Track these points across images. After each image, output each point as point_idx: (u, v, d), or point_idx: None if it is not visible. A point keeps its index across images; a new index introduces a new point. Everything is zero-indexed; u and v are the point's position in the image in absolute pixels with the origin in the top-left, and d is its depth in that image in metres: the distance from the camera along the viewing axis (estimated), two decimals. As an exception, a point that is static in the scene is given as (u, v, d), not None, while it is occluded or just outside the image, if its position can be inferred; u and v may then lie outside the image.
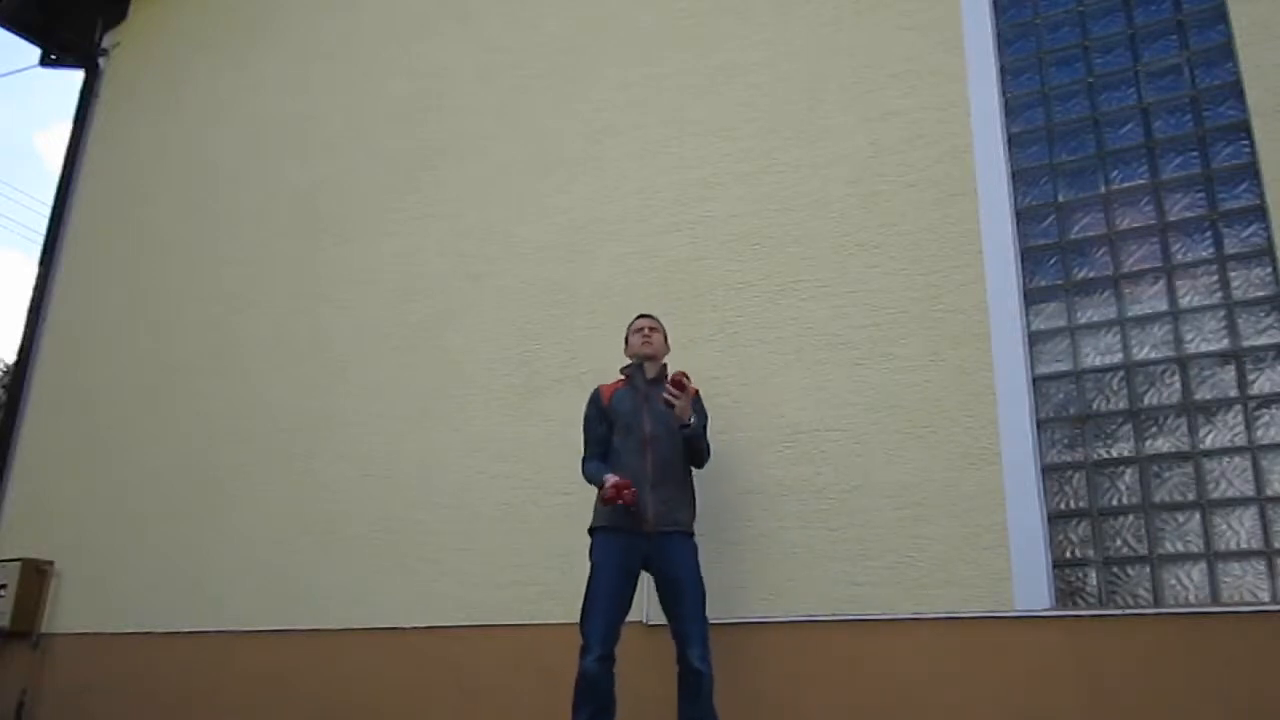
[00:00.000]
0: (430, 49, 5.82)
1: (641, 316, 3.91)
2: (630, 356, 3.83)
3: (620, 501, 3.36)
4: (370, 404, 5.15)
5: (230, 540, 5.36)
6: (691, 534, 3.55)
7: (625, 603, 3.43)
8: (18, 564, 5.96)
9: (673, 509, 3.49)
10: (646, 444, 3.53)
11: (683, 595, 3.39)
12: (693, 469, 3.68)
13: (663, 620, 3.59)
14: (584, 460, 3.70)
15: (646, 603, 3.70)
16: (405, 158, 5.62)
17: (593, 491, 3.65)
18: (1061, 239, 3.76)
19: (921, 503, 3.60)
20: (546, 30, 5.38)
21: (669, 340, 3.92)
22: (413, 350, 5.12)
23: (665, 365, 3.81)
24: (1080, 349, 3.62)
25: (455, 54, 5.70)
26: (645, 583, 3.54)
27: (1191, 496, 3.30)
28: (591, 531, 3.56)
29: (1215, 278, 3.47)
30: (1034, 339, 3.69)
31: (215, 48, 7.09)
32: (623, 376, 3.79)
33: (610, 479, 3.41)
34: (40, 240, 7.82)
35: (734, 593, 3.78)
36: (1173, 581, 3.26)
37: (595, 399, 3.75)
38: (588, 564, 3.51)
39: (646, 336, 3.79)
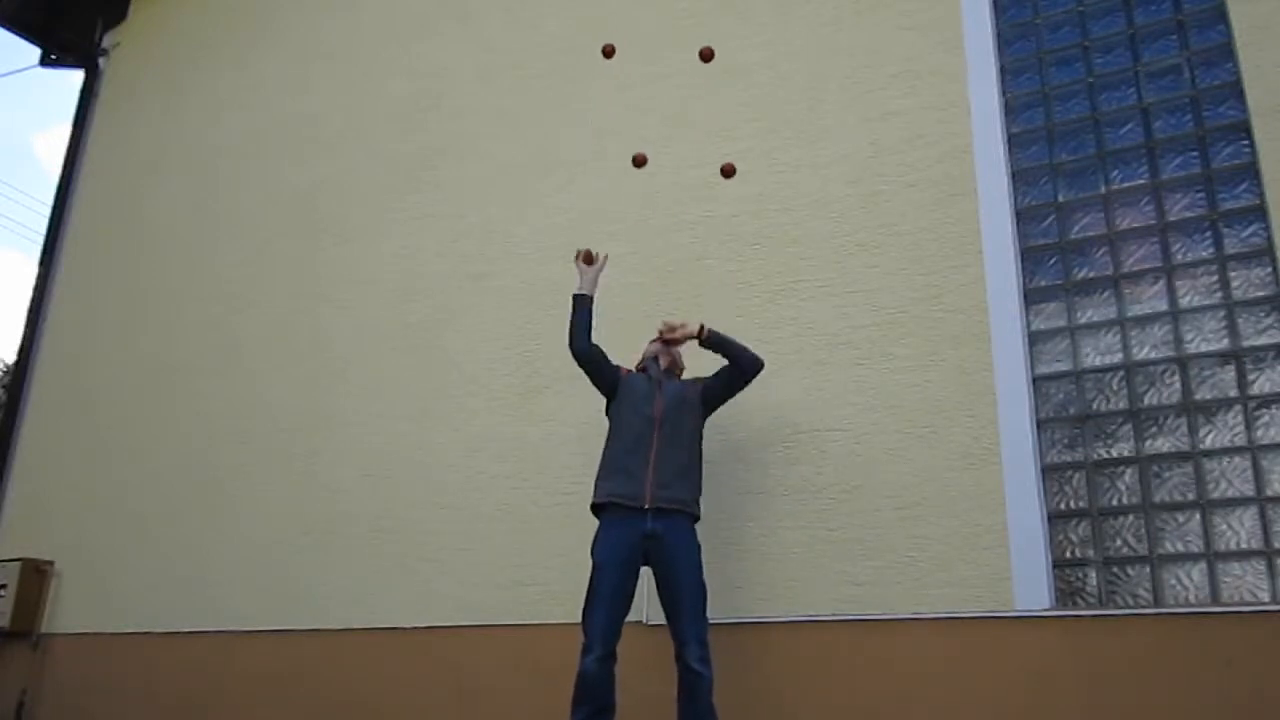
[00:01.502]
0: (430, 49, 5.82)
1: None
2: (646, 356, 3.87)
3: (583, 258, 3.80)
4: (370, 404, 5.16)
5: (230, 540, 5.36)
6: (693, 516, 3.51)
7: (627, 600, 3.41)
8: (18, 564, 5.96)
9: (673, 488, 3.45)
10: (656, 421, 3.53)
11: (681, 593, 3.36)
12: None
13: (661, 620, 3.59)
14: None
15: (646, 603, 3.70)
16: (405, 158, 5.62)
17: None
18: (1061, 239, 3.76)
19: (921, 503, 3.60)
20: (546, 30, 5.38)
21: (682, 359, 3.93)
22: (413, 350, 5.12)
23: (676, 361, 3.85)
24: (1080, 349, 3.62)
25: (455, 54, 5.70)
26: (645, 582, 3.54)
27: (1191, 496, 3.30)
28: (594, 510, 3.54)
29: (1215, 278, 3.47)
30: (1034, 339, 3.69)
31: (215, 48, 7.09)
32: (636, 370, 3.84)
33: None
34: (40, 240, 7.83)
35: (734, 593, 3.78)
36: (1173, 581, 3.26)
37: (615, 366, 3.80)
38: (589, 558, 3.50)
39: (662, 343, 3.85)
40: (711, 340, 3.67)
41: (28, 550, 6.12)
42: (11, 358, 10.07)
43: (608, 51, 3.93)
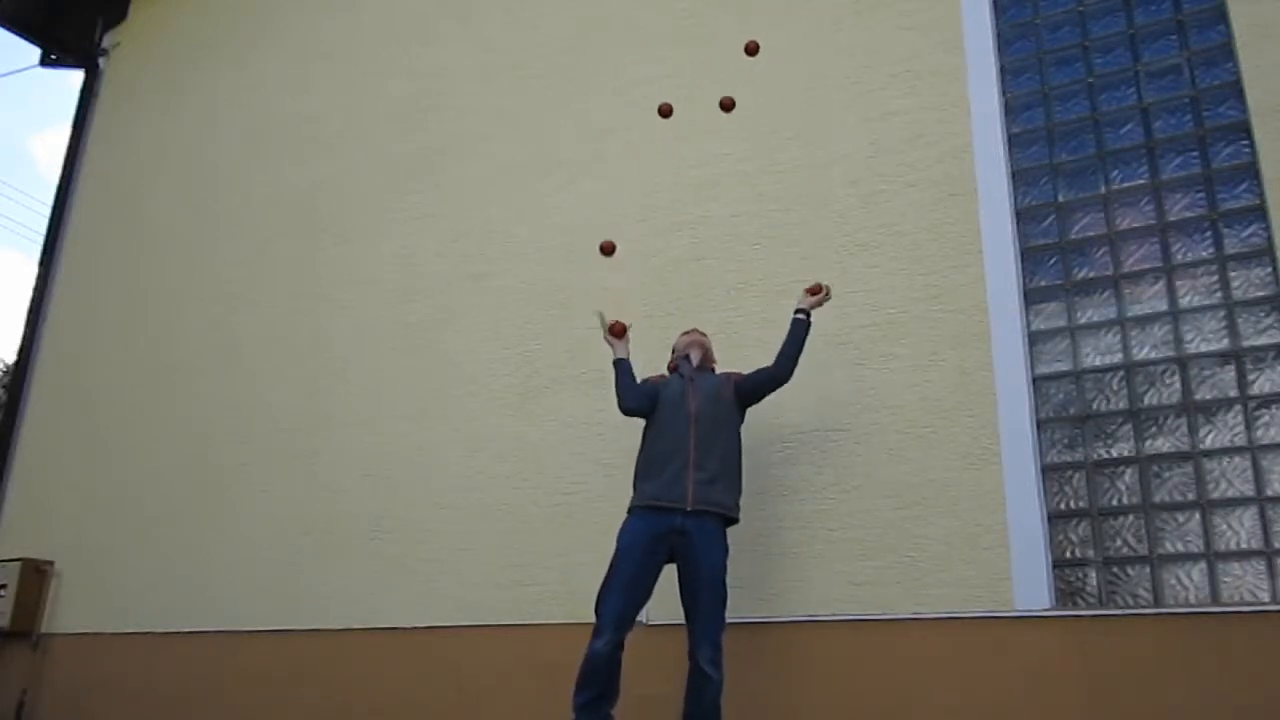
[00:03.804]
0: (430, 49, 5.82)
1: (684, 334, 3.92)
2: (678, 351, 3.83)
3: (613, 332, 3.64)
4: (370, 404, 5.16)
5: (230, 540, 5.36)
6: (729, 520, 3.47)
7: (644, 590, 3.37)
8: (18, 564, 5.96)
9: (713, 489, 3.41)
10: (692, 421, 3.48)
11: (700, 591, 3.33)
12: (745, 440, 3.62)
13: (663, 620, 3.59)
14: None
15: (650, 602, 3.69)
16: (405, 158, 5.62)
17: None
18: (1061, 239, 3.76)
19: (921, 503, 3.60)
20: (546, 30, 5.38)
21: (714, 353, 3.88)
22: (413, 350, 5.12)
23: (709, 354, 3.79)
24: (1080, 349, 3.62)
25: (455, 54, 5.70)
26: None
27: (1191, 496, 3.30)
28: (629, 510, 3.50)
29: (1215, 278, 3.47)
30: (1034, 339, 3.69)
31: (215, 48, 7.09)
32: (669, 370, 3.80)
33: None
34: (40, 240, 7.83)
35: (734, 593, 3.74)
36: (1173, 581, 3.26)
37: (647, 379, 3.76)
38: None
39: (696, 337, 3.82)
40: (799, 324, 3.60)
41: (28, 550, 6.12)
42: (11, 358, 10.07)
43: (664, 111, 3.92)
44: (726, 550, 3.43)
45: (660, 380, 3.74)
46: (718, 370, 3.80)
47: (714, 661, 3.26)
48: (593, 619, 3.34)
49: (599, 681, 3.25)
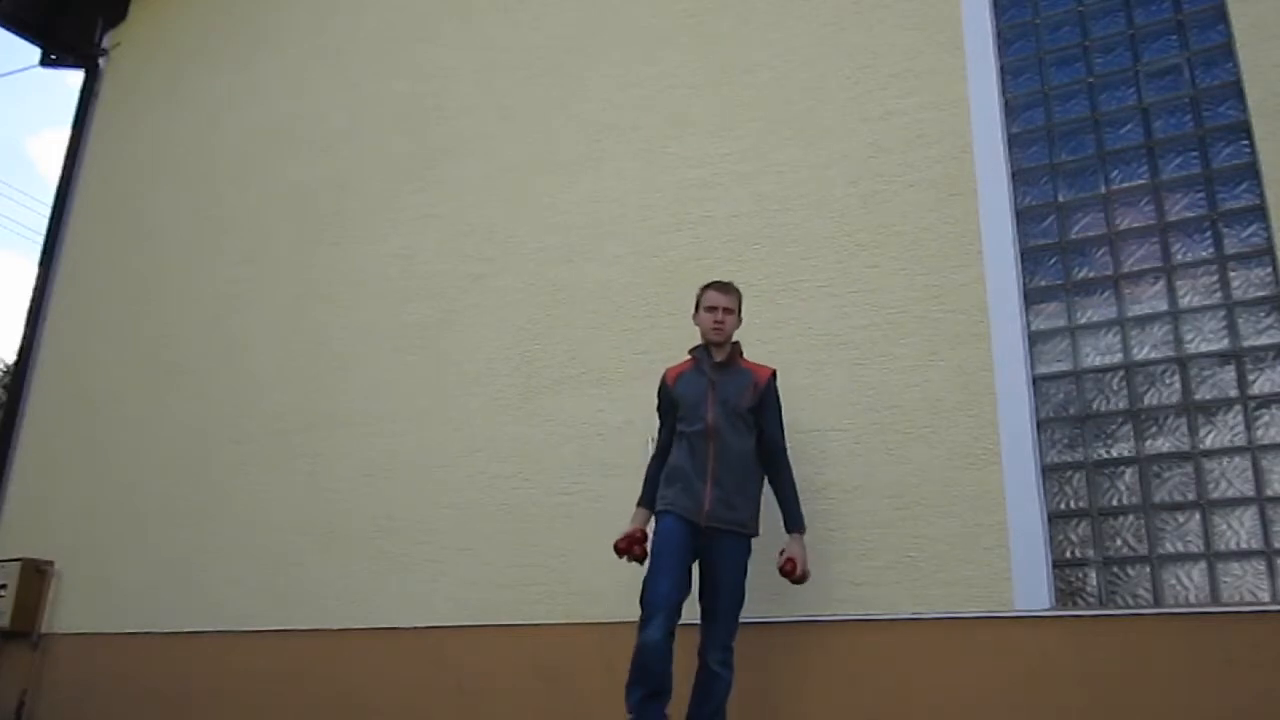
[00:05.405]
0: (431, 49, 5.82)
1: (713, 289, 3.59)
2: (699, 328, 3.62)
3: (627, 555, 3.42)
4: (370, 404, 5.15)
5: (230, 540, 5.36)
6: (748, 535, 3.41)
7: (688, 575, 3.29)
8: (18, 564, 5.96)
9: (730, 506, 3.35)
10: (709, 435, 3.40)
11: (717, 594, 3.32)
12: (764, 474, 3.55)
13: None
14: (652, 457, 3.62)
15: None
16: (406, 158, 5.62)
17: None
18: (1061, 239, 3.76)
19: (921, 503, 3.60)
20: (546, 30, 5.38)
21: (742, 312, 3.64)
22: (412, 350, 5.12)
23: (737, 344, 3.58)
24: (1080, 349, 3.62)
25: (456, 54, 5.70)
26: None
27: (1191, 496, 3.30)
28: (658, 515, 3.44)
29: (1215, 278, 3.47)
30: (1034, 339, 3.69)
31: (216, 48, 7.09)
32: (690, 358, 3.61)
33: (624, 533, 3.44)
34: (40, 240, 7.82)
35: (734, 593, 3.78)
36: (1173, 581, 3.26)
37: (661, 385, 3.60)
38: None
39: (719, 321, 3.52)
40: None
41: (28, 550, 6.12)
42: (11, 358, 10.06)
43: None
44: (748, 553, 3.42)
45: (676, 376, 3.58)
46: (745, 359, 3.58)
47: (724, 663, 3.27)
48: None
49: (653, 676, 3.14)
